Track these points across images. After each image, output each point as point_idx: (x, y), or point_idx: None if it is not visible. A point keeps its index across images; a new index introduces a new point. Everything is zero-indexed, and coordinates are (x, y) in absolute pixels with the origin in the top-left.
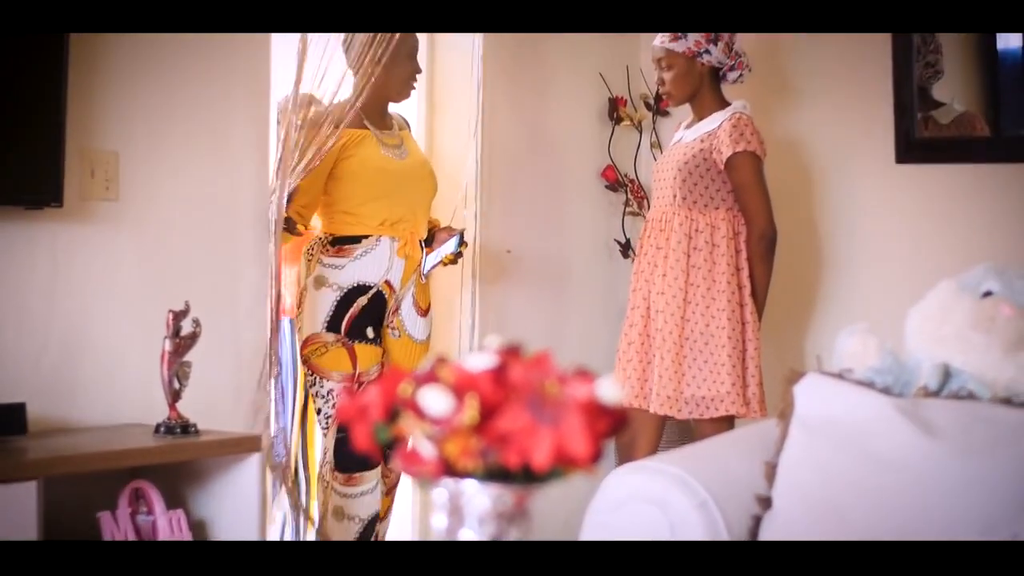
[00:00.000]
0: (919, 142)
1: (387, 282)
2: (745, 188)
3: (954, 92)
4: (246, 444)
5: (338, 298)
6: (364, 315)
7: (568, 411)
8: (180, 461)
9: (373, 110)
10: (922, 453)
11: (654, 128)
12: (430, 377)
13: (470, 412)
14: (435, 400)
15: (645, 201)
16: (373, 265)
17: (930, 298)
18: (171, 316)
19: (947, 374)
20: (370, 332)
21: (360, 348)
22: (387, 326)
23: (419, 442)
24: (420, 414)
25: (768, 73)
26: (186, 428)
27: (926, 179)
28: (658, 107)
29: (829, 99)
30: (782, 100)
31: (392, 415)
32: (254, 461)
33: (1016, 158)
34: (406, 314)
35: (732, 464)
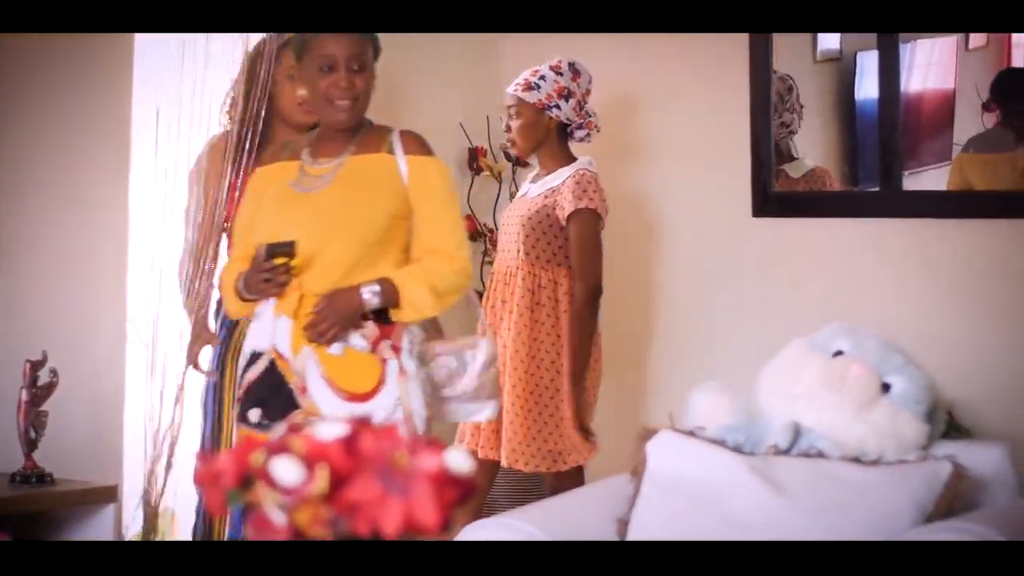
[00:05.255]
0: (776, 196)
1: (275, 349)
2: (579, 244)
3: (812, 147)
4: (102, 494)
5: (242, 366)
6: (256, 391)
7: (417, 481)
8: (36, 511)
9: (322, 136)
10: (771, 511)
11: (513, 179)
12: (281, 447)
13: (320, 482)
14: (286, 470)
15: None
16: (262, 326)
17: (782, 357)
18: (28, 366)
19: (797, 432)
20: (253, 415)
21: (242, 434)
22: (302, 411)
23: (270, 510)
24: (271, 483)
25: (626, 127)
26: (42, 478)
27: (782, 233)
28: (517, 158)
29: (686, 153)
30: (639, 153)
31: (244, 482)
32: (110, 511)
33: (871, 213)
34: (319, 396)
35: (584, 520)
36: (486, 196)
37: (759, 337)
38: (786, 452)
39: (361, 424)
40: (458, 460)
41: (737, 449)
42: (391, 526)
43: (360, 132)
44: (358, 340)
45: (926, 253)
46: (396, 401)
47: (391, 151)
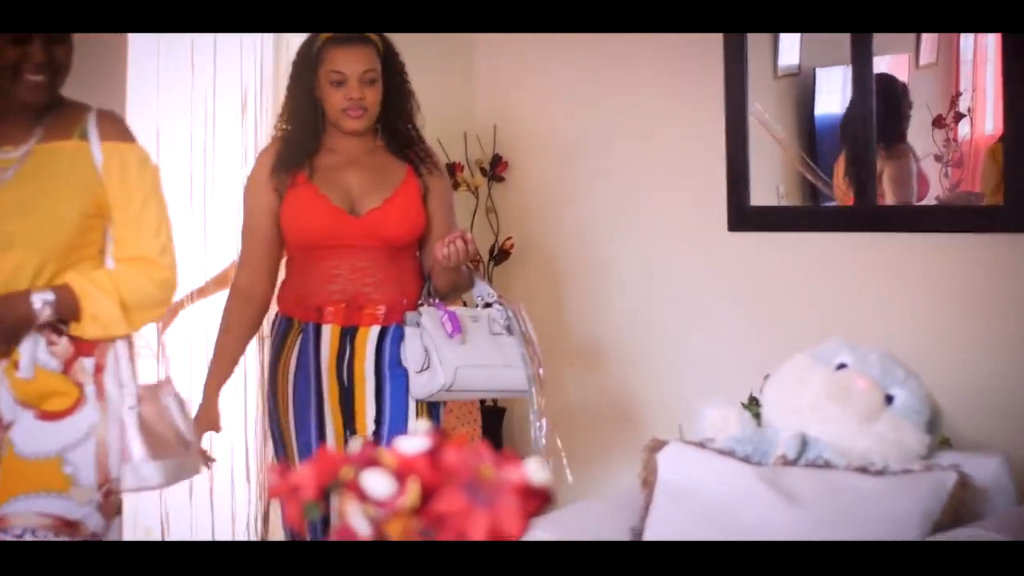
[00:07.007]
0: (752, 210)
1: None
2: None
3: (772, 162)
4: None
5: None
6: None
7: (503, 493)
8: None
9: (3, 118)
10: (784, 520)
11: (489, 194)
12: (369, 460)
13: (411, 495)
14: (379, 483)
15: (480, 265)
16: None
17: (786, 369)
18: None
19: (804, 443)
20: None
21: None
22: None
23: (356, 522)
24: (363, 496)
25: (602, 143)
26: None
27: (758, 247)
28: (494, 173)
29: (661, 167)
30: (613, 166)
31: (324, 495)
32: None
33: (846, 227)
34: (17, 418)
35: (599, 530)
36: (464, 211)
37: (739, 351)
38: (794, 462)
39: (442, 437)
40: (538, 472)
41: (746, 460)
42: (477, 536)
43: (50, 113)
44: (48, 359)
45: (900, 266)
46: (88, 428)
47: (85, 136)
